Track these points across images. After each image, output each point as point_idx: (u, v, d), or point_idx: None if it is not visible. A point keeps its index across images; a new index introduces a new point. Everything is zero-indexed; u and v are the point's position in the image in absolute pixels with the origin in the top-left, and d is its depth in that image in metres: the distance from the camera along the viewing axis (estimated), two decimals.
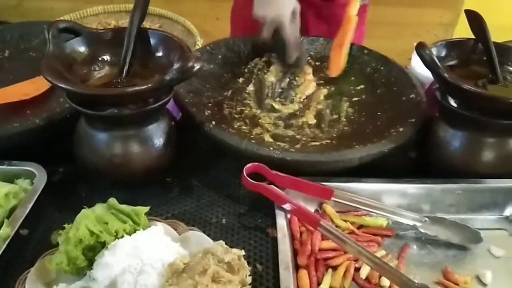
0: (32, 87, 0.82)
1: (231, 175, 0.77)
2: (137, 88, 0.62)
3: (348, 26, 0.90)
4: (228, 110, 0.84)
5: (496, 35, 0.81)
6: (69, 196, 0.73)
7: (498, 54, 0.75)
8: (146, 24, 1.28)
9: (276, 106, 0.87)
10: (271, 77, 0.92)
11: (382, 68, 0.92)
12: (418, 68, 0.89)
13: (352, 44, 1.00)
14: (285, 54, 0.88)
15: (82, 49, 0.72)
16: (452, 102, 0.71)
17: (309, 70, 0.94)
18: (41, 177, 0.68)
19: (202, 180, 0.77)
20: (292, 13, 0.85)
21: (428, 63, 0.70)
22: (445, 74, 0.68)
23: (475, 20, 0.78)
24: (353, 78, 0.93)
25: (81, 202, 0.63)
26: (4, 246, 0.58)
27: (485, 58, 0.76)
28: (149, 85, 0.61)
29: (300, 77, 0.92)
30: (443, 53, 0.76)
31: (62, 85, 0.61)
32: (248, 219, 0.70)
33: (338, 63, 0.91)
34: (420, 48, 0.70)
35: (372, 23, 1.20)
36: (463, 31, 0.81)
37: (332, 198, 0.68)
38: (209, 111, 0.80)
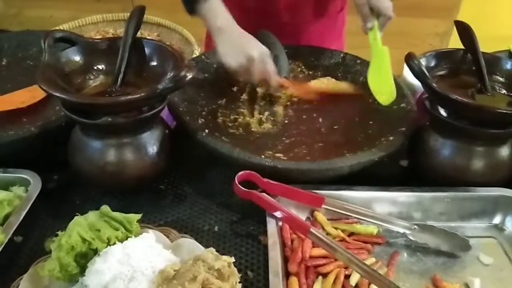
0: (28, 95, 0.83)
1: (224, 182, 0.77)
2: (130, 97, 0.63)
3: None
4: (222, 119, 0.85)
5: (489, 46, 0.82)
6: (63, 203, 0.74)
7: (486, 64, 0.76)
8: (145, 33, 1.30)
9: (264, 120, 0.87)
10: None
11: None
12: (410, 77, 0.90)
13: (345, 54, 1.02)
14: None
15: (77, 58, 0.73)
16: (441, 112, 0.73)
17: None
18: (35, 184, 0.68)
19: (195, 187, 0.78)
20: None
21: (417, 73, 0.71)
22: (434, 84, 0.69)
23: (464, 31, 0.80)
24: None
25: (75, 209, 0.63)
26: None
27: (474, 68, 0.77)
28: (142, 94, 0.63)
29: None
30: (432, 63, 0.78)
31: (57, 94, 0.62)
32: (240, 227, 0.71)
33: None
34: (409, 59, 0.71)
35: None
36: (458, 41, 0.82)
37: (323, 206, 0.68)
38: (203, 119, 0.81)
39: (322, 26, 1.10)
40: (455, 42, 0.84)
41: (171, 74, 0.66)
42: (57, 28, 1.27)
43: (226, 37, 0.81)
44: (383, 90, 0.87)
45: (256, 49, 0.80)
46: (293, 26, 1.08)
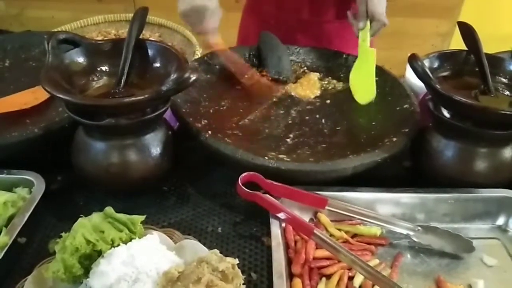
0: (31, 96, 0.83)
1: (227, 184, 0.77)
2: (134, 98, 0.63)
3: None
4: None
5: (492, 45, 0.83)
6: (66, 204, 0.74)
7: (490, 65, 0.76)
8: (146, 33, 1.30)
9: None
10: None
11: (377, 78, 0.93)
12: (413, 78, 0.90)
13: (347, 55, 1.02)
14: None
15: (81, 59, 0.73)
16: (445, 113, 0.72)
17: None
18: (39, 185, 0.68)
19: (198, 189, 0.78)
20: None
21: (420, 75, 0.71)
22: (437, 85, 0.69)
23: (467, 31, 0.80)
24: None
25: (79, 210, 0.63)
26: (2, 254, 0.58)
27: (477, 69, 0.77)
28: (146, 95, 0.63)
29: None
30: (436, 64, 0.78)
31: (61, 96, 0.62)
32: (243, 228, 0.71)
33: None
34: (413, 60, 0.71)
35: None
36: (460, 41, 0.82)
37: (327, 207, 0.68)
38: (206, 121, 0.81)
39: (345, 28, 1.07)
40: (456, 42, 0.84)
41: (175, 76, 0.66)
42: (58, 29, 1.27)
43: None
44: (363, 89, 0.92)
45: (200, 2, 0.86)
46: (314, 25, 1.08)
